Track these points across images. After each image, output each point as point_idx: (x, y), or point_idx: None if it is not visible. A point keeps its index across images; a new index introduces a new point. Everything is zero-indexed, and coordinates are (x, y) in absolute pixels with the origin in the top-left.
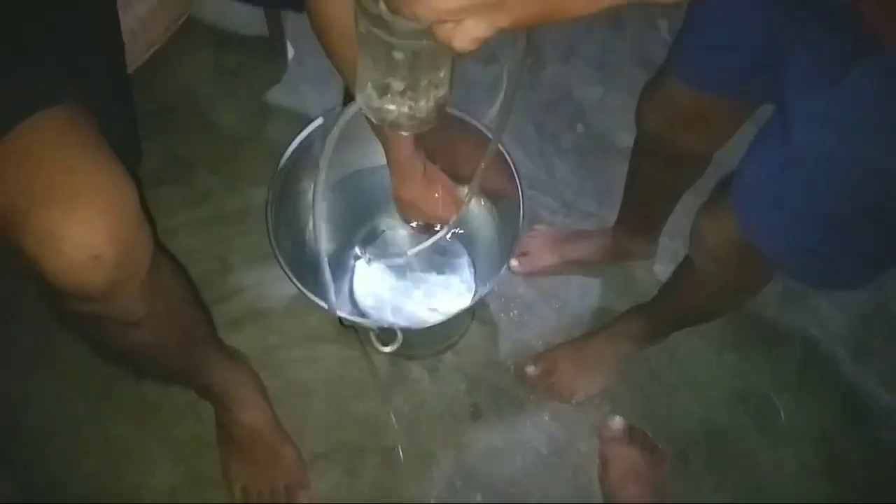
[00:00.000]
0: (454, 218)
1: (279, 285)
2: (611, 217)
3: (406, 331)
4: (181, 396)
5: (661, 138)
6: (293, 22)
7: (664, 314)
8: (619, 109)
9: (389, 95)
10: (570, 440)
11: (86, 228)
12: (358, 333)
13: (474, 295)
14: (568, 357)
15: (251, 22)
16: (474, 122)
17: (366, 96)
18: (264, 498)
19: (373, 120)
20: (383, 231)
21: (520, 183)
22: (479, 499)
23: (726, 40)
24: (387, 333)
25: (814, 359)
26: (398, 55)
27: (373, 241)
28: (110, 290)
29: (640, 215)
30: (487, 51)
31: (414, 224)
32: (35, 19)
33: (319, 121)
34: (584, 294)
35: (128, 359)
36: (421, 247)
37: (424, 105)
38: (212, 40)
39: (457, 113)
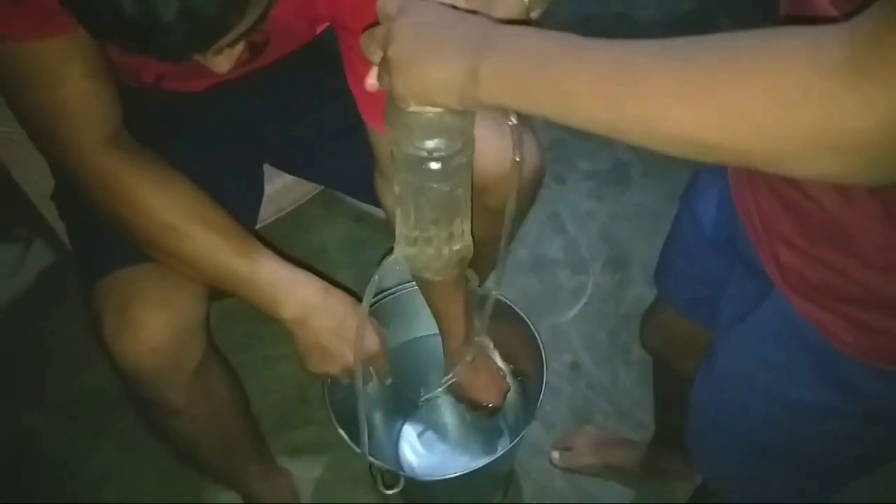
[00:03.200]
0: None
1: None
2: None
3: (433, 493)
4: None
5: (664, 360)
6: None
7: None
8: None
9: (418, 245)
10: None
11: (151, 329)
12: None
13: (485, 461)
14: None
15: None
16: (527, 321)
17: (401, 248)
18: None
19: (407, 268)
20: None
21: (545, 366)
22: None
23: (693, 272)
24: (392, 478)
25: None
26: (421, 199)
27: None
28: (157, 377)
29: (671, 435)
30: (579, 260)
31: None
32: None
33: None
34: (619, 501)
35: (170, 443)
36: (432, 395)
37: (447, 253)
38: (353, 213)
39: (518, 311)
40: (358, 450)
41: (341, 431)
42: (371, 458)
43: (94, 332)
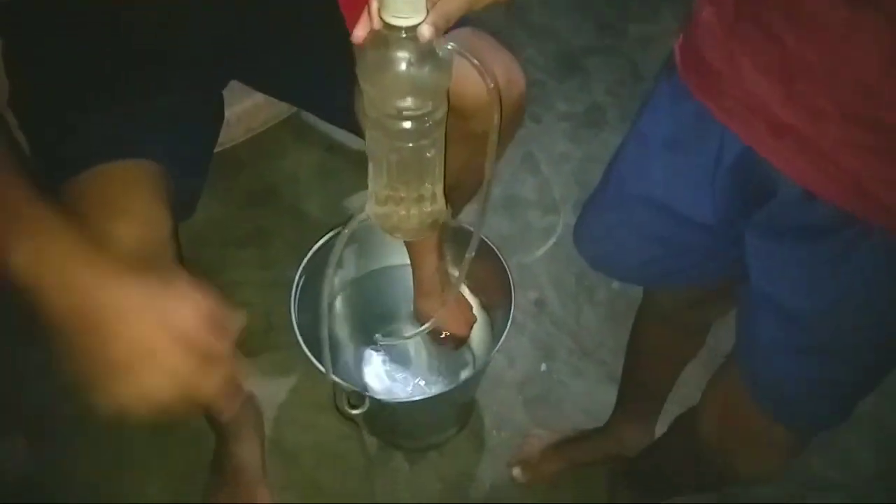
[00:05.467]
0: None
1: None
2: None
3: (395, 418)
4: (195, 422)
5: (669, 310)
6: None
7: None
8: None
9: (389, 204)
10: None
11: (118, 233)
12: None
13: (449, 387)
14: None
15: (357, 138)
16: (499, 255)
17: (372, 206)
18: None
19: (378, 225)
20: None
21: (514, 299)
22: None
23: (684, 261)
24: (357, 398)
25: None
26: (392, 157)
27: (391, 334)
28: None
29: (640, 396)
30: (551, 201)
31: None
32: (150, 81)
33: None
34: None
35: None
36: (392, 341)
37: (417, 214)
38: (324, 143)
39: (490, 244)
40: (323, 369)
41: (307, 351)
42: (336, 379)
43: None
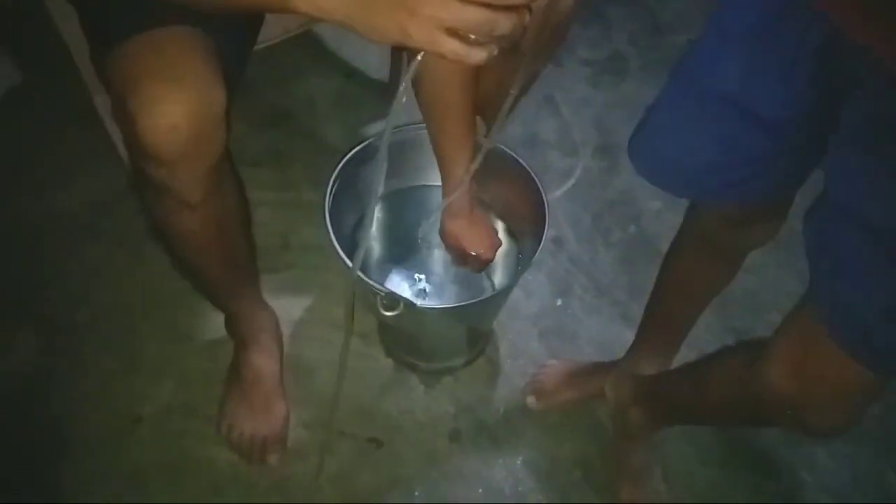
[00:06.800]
0: (489, 258)
1: (322, 273)
2: (636, 311)
3: (416, 333)
4: (210, 332)
5: (711, 231)
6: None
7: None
8: (673, 225)
9: None
10: (535, 491)
11: (175, 105)
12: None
13: (466, 301)
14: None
15: (378, 67)
16: (531, 173)
17: None
18: (244, 440)
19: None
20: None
21: (546, 226)
22: None
23: (751, 167)
24: (392, 301)
25: (796, 501)
26: None
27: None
28: (178, 160)
29: (663, 329)
30: (570, 144)
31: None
32: None
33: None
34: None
35: (175, 243)
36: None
37: None
38: (343, 71)
39: (531, 173)
40: (351, 266)
41: (341, 252)
42: (371, 282)
43: (116, 113)
